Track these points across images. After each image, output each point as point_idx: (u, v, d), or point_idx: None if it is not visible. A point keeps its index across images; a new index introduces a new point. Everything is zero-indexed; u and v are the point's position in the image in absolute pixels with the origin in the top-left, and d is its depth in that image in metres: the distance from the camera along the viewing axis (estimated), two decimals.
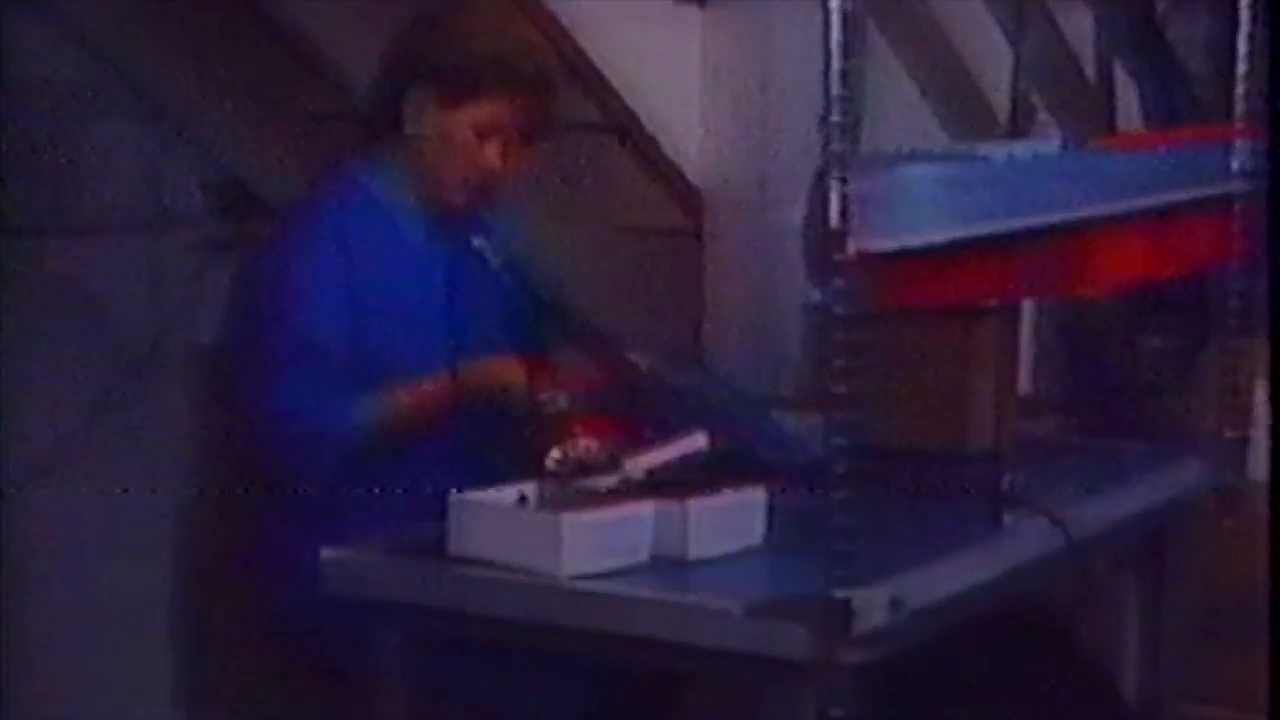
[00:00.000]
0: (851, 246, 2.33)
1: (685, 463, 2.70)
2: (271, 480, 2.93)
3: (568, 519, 2.51)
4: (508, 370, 2.91)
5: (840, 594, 2.34)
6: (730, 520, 2.61)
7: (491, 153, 3.00)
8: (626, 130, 3.74)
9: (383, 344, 2.97)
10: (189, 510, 3.27)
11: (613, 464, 2.68)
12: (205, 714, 3.19)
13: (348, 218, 3.01)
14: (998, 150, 2.85)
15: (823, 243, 2.34)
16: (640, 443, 2.73)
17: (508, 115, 3.00)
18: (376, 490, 2.86)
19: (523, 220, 3.20)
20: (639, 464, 2.68)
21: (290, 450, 2.90)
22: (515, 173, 3.04)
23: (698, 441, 2.72)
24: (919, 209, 2.55)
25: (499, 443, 2.92)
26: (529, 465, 2.71)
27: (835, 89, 2.31)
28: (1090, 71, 4.39)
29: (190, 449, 3.33)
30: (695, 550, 2.56)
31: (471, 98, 2.98)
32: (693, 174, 3.79)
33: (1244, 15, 3.33)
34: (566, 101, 3.65)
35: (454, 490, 2.60)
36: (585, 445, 2.72)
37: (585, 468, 2.69)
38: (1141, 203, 2.95)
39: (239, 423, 2.96)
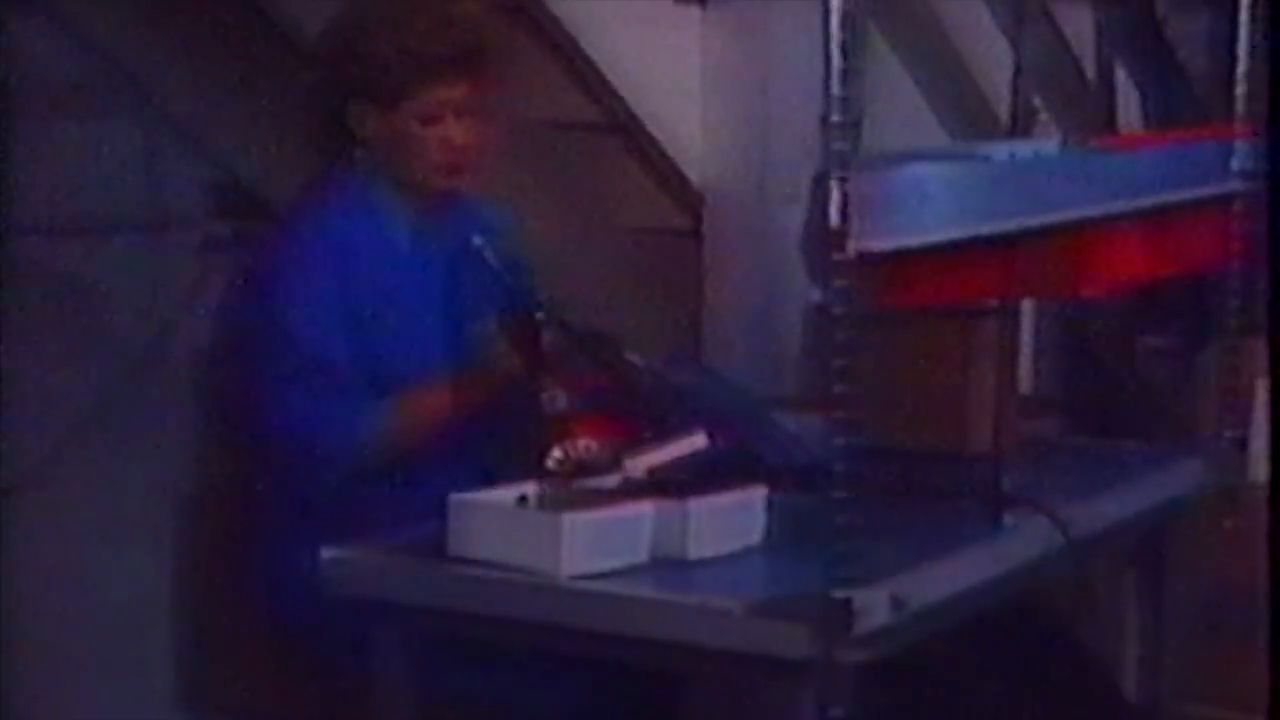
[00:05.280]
0: (852, 246, 2.33)
1: (685, 463, 2.70)
2: (278, 491, 2.93)
3: (568, 519, 2.51)
4: (508, 366, 2.91)
5: (840, 594, 2.34)
6: (730, 520, 2.61)
7: (452, 133, 2.96)
8: (627, 130, 3.74)
9: (384, 350, 2.96)
10: (190, 510, 3.27)
11: (613, 464, 2.68)
12: (205, 714, 3.19)
13: (339, 226, 3.00)
14: (998, 150, 2.85)
15: (823, 243, 2.34)
16: (640, 443, 2.73)
17: (446, 97, 2.95)
18: (384, 498, 2.86)
19: (522, 220, 3.20)
20: (639, 464, 2.68)
21: (297, 465, 2.91)
22: (486, 146, 3.01)
23: (698, 441, 2.72)
24: (919, 209, 2.55)
25: (502, 444, 2.92)
26: (529, 465, 2.71)
27: (835, 89, 2.31)
28: (1090, 71, 4.39)
29: (190, 449, 3.34)
30: (695, 550, 2.56)
31: (402, 97, 2.95)
32: (693, 174, 3.79)
33: (1244, 15, 3.33)
34: (566, 101, 3.67)
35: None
36: (585, 445, 2.72)
37: (585, 468, 2.69)
38: (1141, 203, 2.95)
39: (242, 435, 2.95)
